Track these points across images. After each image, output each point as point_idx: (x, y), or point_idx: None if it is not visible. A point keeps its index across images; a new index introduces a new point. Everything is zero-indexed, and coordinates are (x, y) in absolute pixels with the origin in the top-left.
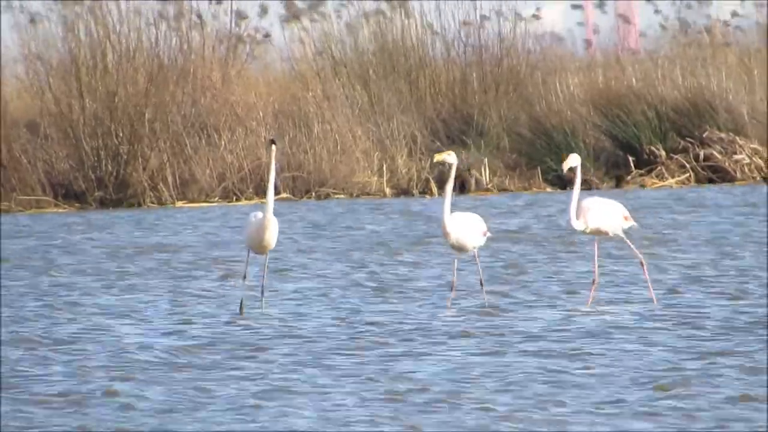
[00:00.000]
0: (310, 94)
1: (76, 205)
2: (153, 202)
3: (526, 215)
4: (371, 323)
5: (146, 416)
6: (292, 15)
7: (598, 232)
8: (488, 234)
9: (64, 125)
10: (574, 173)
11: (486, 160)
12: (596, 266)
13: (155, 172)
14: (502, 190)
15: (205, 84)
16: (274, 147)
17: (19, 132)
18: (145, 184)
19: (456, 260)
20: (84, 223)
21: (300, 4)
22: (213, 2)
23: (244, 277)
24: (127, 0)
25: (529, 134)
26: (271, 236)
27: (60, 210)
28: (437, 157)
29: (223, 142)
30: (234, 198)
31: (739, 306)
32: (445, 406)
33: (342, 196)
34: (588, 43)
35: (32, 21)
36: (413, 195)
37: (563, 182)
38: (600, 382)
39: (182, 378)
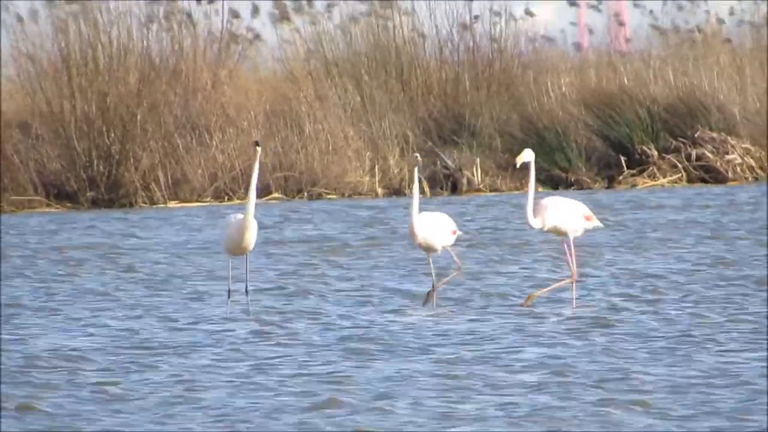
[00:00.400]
0: (302, 94)
1: (68, 205)
2: (145, 202)
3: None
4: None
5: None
6: (283, 15)
7: (557, 231)
8: (458, 233)
9: (56, 125)
10: (529, 169)
11: (478, 160)
12: (573, 264)
13: (147, 172)
14: (494, 190)
15: (197, 85)
16: (258, 149)
17: (11, 132)
18: (137, 184)
19: (431, 260)
20: (56, 223)
21: (291, 4)
22: (204, 2)
23: (229, 294)
24: (117, 0)
25: (520, 134)
26: (251, 238)
27: (52, 210)
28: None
29: (214, 143)
30: (226, 198)
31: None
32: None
33: (334, 195)
34: (579, 44)
35: (21, 21)
36: (405, 194)
37: (555, 182)
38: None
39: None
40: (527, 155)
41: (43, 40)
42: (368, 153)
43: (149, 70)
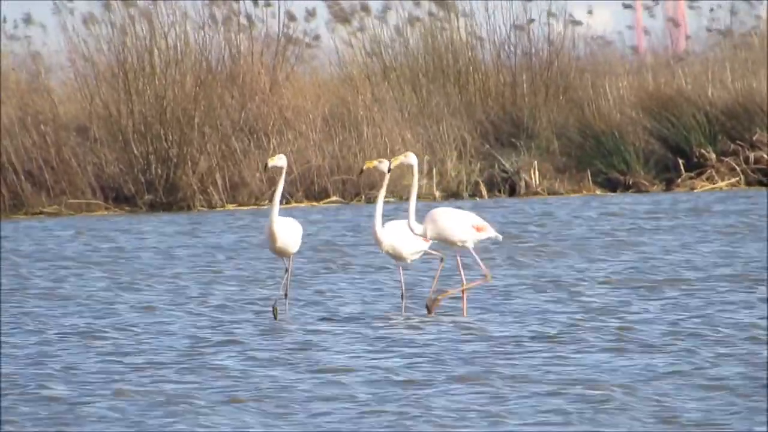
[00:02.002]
0: (360, 97)
1: (126, 208)
2: (203, 206)
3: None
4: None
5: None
6: (341, 18)
7: (444, 241)
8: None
9: (114, 129)
10: (412, 173)
11: (535, 162)
12: (481, 266)
13: (205, 176)
14: (552, 192)
15: (254, 87)
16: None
17: (69, 135)
18: (195, 188)
19: (401, 269)
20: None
21: (347, 5)
22: (262, 4)
23: (285, 295)
24: (174, 0)
25: (578, 137)
26: (284, 241)
27: (110, 213)
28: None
29: (272, 146)
30: (284, 201)
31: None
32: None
33: (391, 198)
34: (636, 48)
35: (79, 24)
36: (463, 197)
37: (613, 185)
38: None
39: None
40: (411, 158)
41: (100, 43)
42: (426, 156)
43: (206, 73)
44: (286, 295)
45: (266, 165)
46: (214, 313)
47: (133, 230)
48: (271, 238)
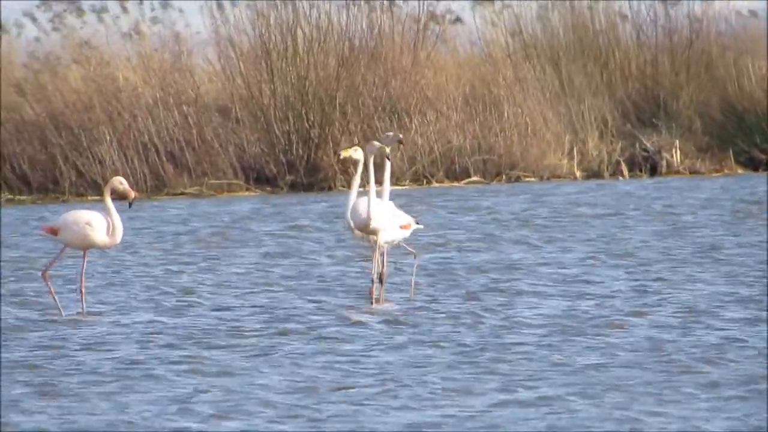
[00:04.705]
0: (501, 76)
1: (267, 189)
2: (344, 186)
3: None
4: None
5: None
6: None
7: (374, 233)
8: (415, 226)
9: (255, 109)
10: (366, 168)
11: (677, 142)
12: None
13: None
14: (694, 172)
15: (396, 67)
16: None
17: (211, 116)
18: (336, 168)
19: (384, 252)
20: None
21: None
22: None
23: (381, 280)
24: None
25: (720, 116)
26: (378, 223)
27: (251, 194)
28: (344, 153)
29: (413, 125)
30: (425, 181)
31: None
32: None
33: (532, 179)
34: None
35: (222, 6)
36: (604, 177)
37: (755, 164)
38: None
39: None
40: (358, 153)
41: (243, 25)
42: (567, 136)
43: (348, 53)
44: (380, 278)
45: (339, 155)
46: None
47: None
48: (366, 219)
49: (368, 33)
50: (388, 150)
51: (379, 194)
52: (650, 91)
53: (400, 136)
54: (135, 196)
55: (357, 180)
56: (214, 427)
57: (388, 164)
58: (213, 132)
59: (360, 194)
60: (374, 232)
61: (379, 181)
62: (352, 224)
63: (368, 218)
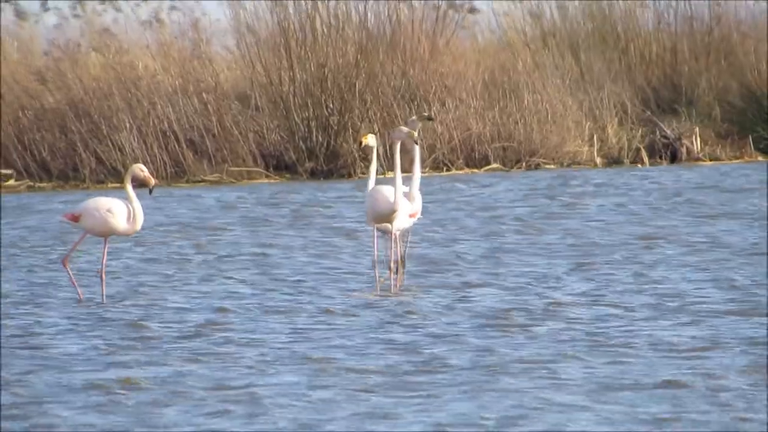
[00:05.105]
0: (520, 63)
1: (287, 176)
2: (364, 173)
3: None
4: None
5: None
6: None
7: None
8: (419, 216)
9: (275, 96)
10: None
11: (697, 129)
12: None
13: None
14: (714, 159)
15: (415, 54)
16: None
17: (230, 103)
18: (356, 155)
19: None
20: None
21: None
22: None
23: (397, 269)
24: None
25: (740, 103)
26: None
27: (271, 181)
28: (364, 141)
29: (433, 112)
30: (444, 168)
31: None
32: None
33: (552, 165)
34: None
35: None
36: (624, 164)
37: None
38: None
39: None
40: (372, 140)
41: (262, 12)
42: (587, 123)
43: (367, 40)
44: (398, 263)
45: (360, 143)
46: None
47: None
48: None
49: (386, 20)
50: (416, 135)
51: (406, 182)
52: (670, 78)
53: (426, 114)
54: (155, 183)
55: (373, 168)
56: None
57: (417, 151)
58: (232, 119)
59: (379, 182)
60: (392, 220)
61: (407, 169)
62: (370, 212)
63: (394, 205)
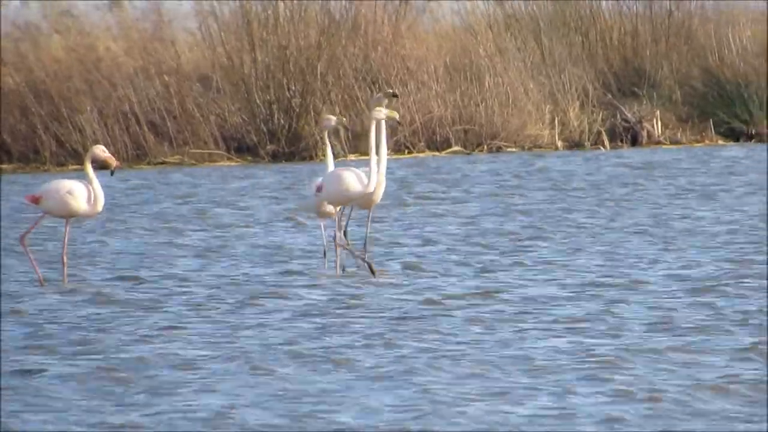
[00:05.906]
0: (482, 47)
1: (248, 158)
2: (325, 155)
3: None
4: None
5: None
6: None
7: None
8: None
9: (236, 79)
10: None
11: (658, 112)
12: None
13: None
14: (675, 142)
15: (377, 37)
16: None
17: (192, 85)
18: (317, 137)
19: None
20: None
21: None
22: None
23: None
24: None
25: (701, 87)
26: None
27: (232, 163)
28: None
29: (397, 91)
30: (406, 151)
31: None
32: None
33: (513, 149)
34: None
35: None
36: (585, 147)
37: (736, 135)
38: None
39: None
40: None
41: None
42: (548, 106)
43: (329, 23)
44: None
45: (323, 124)
46: None
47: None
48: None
49: (348, 3)
50: (397, 115)
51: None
52: (631, 62)
53: (391, 91)
54: (117, 165)
55: (329, 150)
56: None
57: (383, 134)
58: (194, 101)
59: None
60: (371, 203)
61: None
62: (323, 195)
63: (368, 188)
